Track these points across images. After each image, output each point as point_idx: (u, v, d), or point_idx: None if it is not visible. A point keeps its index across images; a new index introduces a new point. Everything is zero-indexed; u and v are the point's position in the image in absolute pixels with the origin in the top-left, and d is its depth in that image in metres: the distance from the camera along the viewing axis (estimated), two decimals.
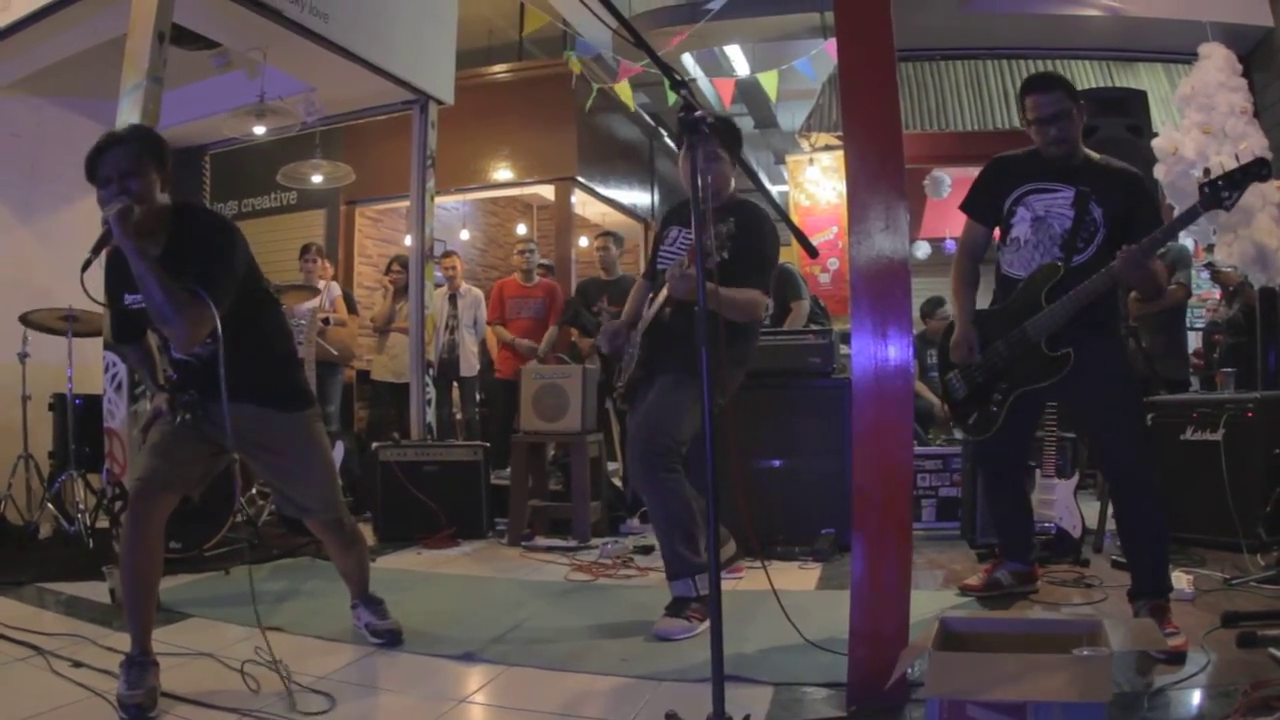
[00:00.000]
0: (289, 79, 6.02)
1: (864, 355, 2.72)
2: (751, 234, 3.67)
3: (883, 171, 2.78)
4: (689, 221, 3.75)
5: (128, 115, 4.08)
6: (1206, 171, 3.16)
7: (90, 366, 4.32)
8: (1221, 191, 3.03)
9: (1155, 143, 6.55)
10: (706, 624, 3.34)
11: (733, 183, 3.81)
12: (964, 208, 3.76)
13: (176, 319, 2.69)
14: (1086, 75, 8.79)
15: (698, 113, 2.19)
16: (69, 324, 5.25)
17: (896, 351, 2.71)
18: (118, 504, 3.96)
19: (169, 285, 2.68)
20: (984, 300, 3.74)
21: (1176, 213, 3.32)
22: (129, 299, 2.93)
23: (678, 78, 2.28)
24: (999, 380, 3.57)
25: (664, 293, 3.74)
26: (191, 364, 3.02)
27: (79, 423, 5.19)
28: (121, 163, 2.78)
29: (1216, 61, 7.25)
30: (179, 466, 2.99)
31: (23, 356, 5.42)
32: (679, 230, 3.89)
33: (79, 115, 6.34)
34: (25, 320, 5.32)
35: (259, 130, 6.72)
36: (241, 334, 2.96)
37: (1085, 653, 2.13)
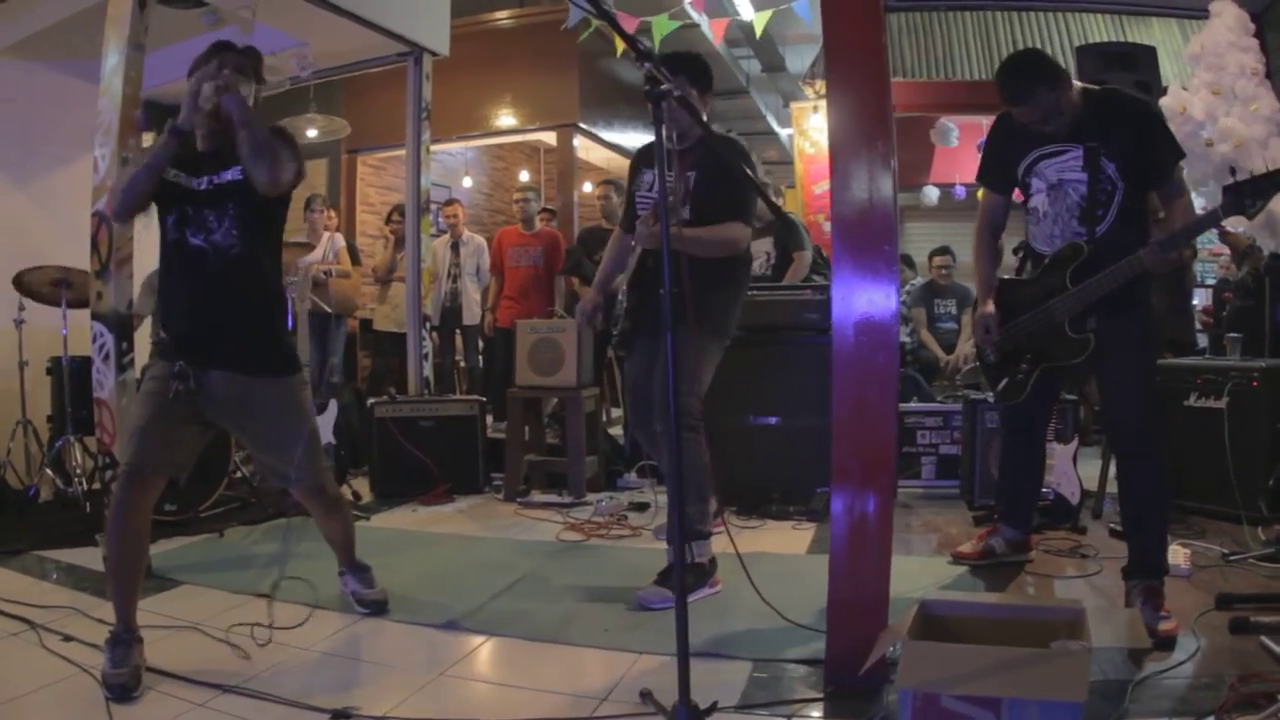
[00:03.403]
0: (281, 35, 5.90)
1: (844, 307, 2.65)
2: (721, 166, 3.55)
3: (866, 116, 2.70)
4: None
5: (110, 80, 4.05)
6: (1232, 171, 3.04)
7: (85, 330, 4.31)
8: (1245, 199, 2.89)
9: (1164, 101, 6.38)
10: (693, 596, 3.35)
11: (704, 116, 3.60)
12: (980, 180, 3.67)
13: (265, 146, 2.93)
14: (1097, 28, 8.56)
15: (664, 86, 2.12)
16: (62, 290, 5.28)
17: (883, 299, 2.63)
18: (109, 473, 3.97)
19: (264, 129, 2.99)
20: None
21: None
22: (172, 173, 3.07)
23: (641, 47, 2.21)
24: (1024, 353, 3.49)
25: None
26: (207, 256, 3.00)
27: (75, 386, 5.19)
28: (234, 59, 3.07)
29: (1227, 20, 6.97)
30: (169, 450, 2.98)
31: (19, 323, 5.42)
32: (652, 175, 3.76)
33: (72, 78, 6.24)
34: (19, 282, 5.31)
35: None
36: (253, 282, 3.08)
37: (1068, 645, 2.11)
